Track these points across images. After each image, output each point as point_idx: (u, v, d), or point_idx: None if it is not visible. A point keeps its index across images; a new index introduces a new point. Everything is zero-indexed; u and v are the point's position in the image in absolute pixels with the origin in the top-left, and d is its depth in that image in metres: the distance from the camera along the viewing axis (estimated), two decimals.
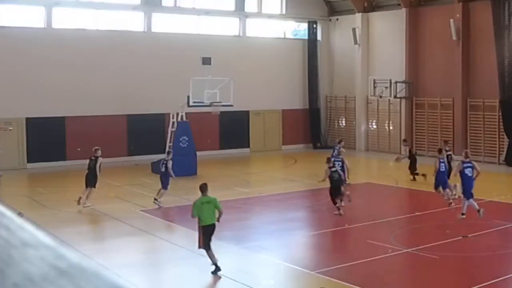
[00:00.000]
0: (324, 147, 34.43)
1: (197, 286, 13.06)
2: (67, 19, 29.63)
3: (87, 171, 19.93)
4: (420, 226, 17.40)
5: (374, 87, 33.23)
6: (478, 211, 17.18)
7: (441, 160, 19.30)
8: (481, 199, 20.56)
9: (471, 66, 30.03)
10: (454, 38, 29.91)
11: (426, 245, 14.88)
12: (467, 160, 17.80)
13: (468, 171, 17.57)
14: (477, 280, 12.63)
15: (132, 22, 31.31)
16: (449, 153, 21.51)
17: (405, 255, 14.54)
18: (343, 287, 12.13)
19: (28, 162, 28.23)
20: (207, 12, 32.96)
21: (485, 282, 12.33)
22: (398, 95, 32.57)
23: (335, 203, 18.32)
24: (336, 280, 12.44)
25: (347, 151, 34.12)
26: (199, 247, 13.06)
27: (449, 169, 19.94)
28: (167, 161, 20.06)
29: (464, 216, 17.49)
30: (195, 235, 16.50)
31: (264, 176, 23.92)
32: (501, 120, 28.72)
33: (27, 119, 28.28)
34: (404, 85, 32.55)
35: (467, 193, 17.51)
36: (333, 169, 18.58)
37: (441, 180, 19.12)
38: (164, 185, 19.83)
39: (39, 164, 27.93)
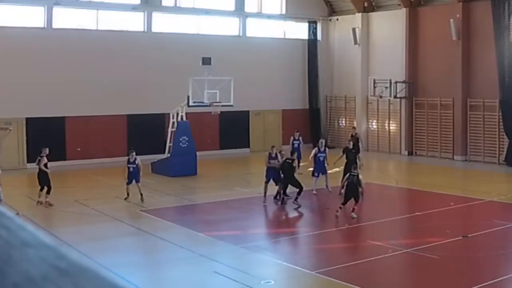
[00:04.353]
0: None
1: (197, 286, 13.06)
2: (67, 19, 29.62)
3: None
4: (420, 226, 17.39)
5: (374, 87, 33.22)
6: None
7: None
8: (481, 199, 20.60)
9: (471, 66, 30.01)
10: (454, 38, 29.90)
11: (426, 245, 14.87)
12: None
13: None
14: (477, 280, 12.62)
15: (132, 22, 31.29)
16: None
17: (405, 255, 14.53)
18: (343, 287, 12.13)
19: (28, 162, 28.18)
20: (207, 12, 32.95)
21: (485, 282, 12.32)
22: (398, 95, 32.56)
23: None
24: (336, 280, 12.44)
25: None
26: None
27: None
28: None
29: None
30: (195, 235, 16.61)
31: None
32: (501, 120, 28.70)
33: (27, 119, 28.28)
34: (404, 85, 32.54)
35: None
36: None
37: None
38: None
39: None
